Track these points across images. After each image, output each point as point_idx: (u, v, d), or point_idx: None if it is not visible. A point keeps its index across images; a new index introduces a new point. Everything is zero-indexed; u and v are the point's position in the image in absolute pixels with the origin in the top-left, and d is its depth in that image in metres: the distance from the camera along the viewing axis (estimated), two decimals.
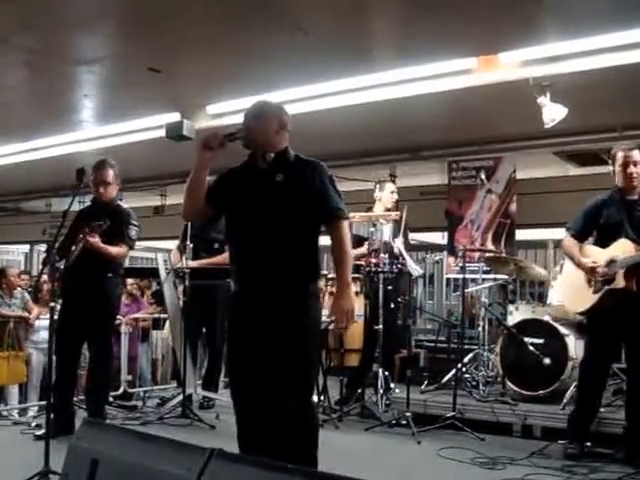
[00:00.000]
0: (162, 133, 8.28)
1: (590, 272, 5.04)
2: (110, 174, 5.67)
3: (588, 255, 5.14)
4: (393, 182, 7.63)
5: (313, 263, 3.77)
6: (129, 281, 8.97)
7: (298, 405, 3.65)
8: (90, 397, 5.71)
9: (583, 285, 5.10)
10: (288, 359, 3.60)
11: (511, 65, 6.40)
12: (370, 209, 7.05)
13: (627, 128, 7.74)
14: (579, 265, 5.12)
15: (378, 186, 7.21)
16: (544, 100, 6.70)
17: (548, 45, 6.15)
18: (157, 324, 9.34)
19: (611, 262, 4.96)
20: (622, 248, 4.95)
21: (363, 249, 6.66)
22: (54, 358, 5.02)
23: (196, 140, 8.12)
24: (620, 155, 5.07)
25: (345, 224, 3.77)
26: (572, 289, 5.29)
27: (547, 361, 6.09)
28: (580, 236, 5.23)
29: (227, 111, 8.05)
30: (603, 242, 5.14)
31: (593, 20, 5.63)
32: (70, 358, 5.65)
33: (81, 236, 5.24)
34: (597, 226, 5.19)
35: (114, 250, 5.52)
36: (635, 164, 5.02)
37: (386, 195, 7.09)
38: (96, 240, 5.26)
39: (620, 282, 4.91)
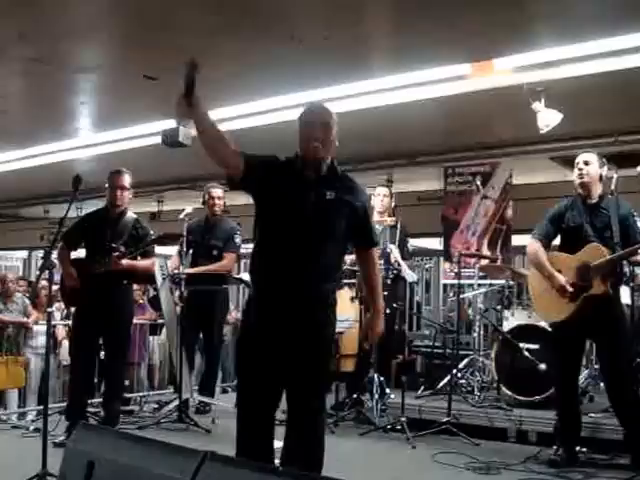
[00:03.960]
0: (158, 140, 8.30)
1: (560, 289, 5.04)
2: (127, 180, 5.85)
3: (557, 263, 5.16)
4: (386, 186, 7.64)
5: (338, 277, 3.88)
6: (134, 287, 9.01)
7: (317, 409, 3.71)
8: (106, 405, 5.79)
9: (555, 293, 5.10)
10: (308, 366, 3.58)
11: (505, 71, 6.40)
12: None
13: (622, 133, 7.76)
14: (549, 278, 5.13)
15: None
16: (538, 106, 6.72)
17: (542, 51, 6.15)
18: (154, 330, 9.38)
19: (584, 268, 4.97)
20: (592, 253, 4.97)
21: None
22: (64, 364, 5.13)
23: (192, 147, 8.18)
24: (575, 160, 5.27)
25: (376, 252, 3.91)
26: (546, 298, 5.23)
27: (542, 367, 6.11)
28: (546, 241, 5.29)
29: (223, 118, 8.06)
30: (567, 246, 5.22)
31: (587, 25, 5.64)
32: (87, 365, 5.78)
33: (106, 259, 5.54)
34: (561, 230, 5.25)
35: (144, 264, 5.87)
36: (586, 163, 5.14)
37: (376, 200, 7.14)
38: (127, 262, 5.60)
39: (598, 288, 4.93)
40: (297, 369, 3.57)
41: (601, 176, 5.16)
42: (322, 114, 3.74)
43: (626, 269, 5.71)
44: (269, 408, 3.65)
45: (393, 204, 7.23)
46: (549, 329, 6.30)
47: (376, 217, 7.06)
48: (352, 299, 6.60)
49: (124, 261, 5.55)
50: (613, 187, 5.36)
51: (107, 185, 5.86)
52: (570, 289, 4.99)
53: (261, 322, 3.61)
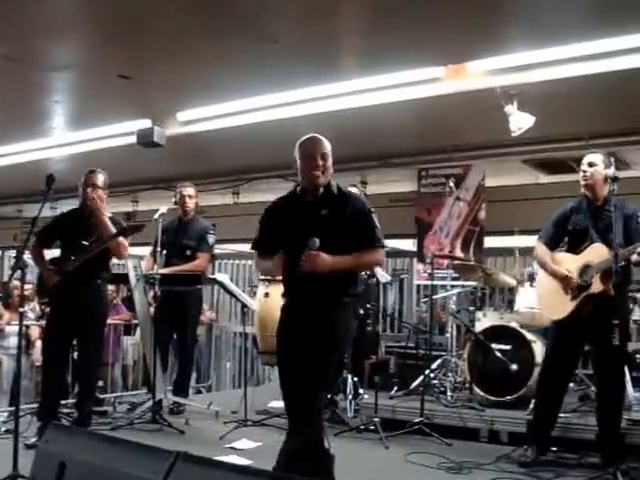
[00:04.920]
0: (133, 139, 8.29)
1: (564, 281, 5.13)
2: (100, 179, 5.82)
3: (561, 262, 5.23)
4: (354, 186, 7.67)
5: (351, 280, 4.19)
6: (108, 287, 8.98)
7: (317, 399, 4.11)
8: (79, 406, 5.78)
9: (559, 292, 5.17)
10: (318, 360, 4.02)
11: (478, 74, 6.46)
12: None
13: (594, 136, 7.83)
14: (553, 274, 5.21)
15: None
16: (511, 109, 6.78)
17: (515, 54, 6.21)
18: (128, 330, 9.35)
19: (586, 267, 5.04)
20: (596, 253, 5.02)
21: None
22: (37, 364, 5.09)
23: (167, 147, 8.18)
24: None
25: (379, 251, 4.22)
26: (548, 297, 5.34)
27: (514, 367, 6.17)
28: (551, 243, 5.35)
29: (197, 118, 8.08)
30: (573, 248, 5.26)
31: (559, 30, 5.71)
32: (60, 365, 5.76)
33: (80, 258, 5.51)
34: (566, 233, 5.30)
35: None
36: (590, 165, 5.15)
37: None
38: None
39: (597, 287, 4.96)
40: (311, 359, 4.00)
41: (606, 177, 5.10)
42: (320, 145, 4.15)
43: None
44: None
45: None
46: (520, 330, 6.38)
47: None
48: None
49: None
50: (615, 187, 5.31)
51: (80, 184, 5.82)
52: (574, 278, 5.05)
53: (289, 323, 4.18)
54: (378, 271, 6.59)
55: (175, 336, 7.10)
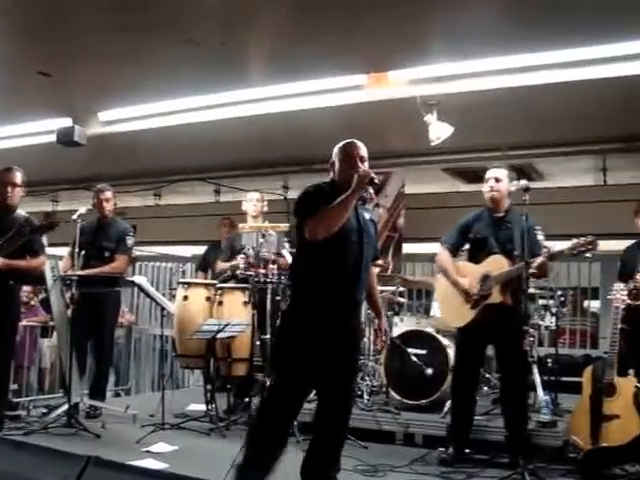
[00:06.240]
0: (53, 138, 8.16)
1: (464, 293, 5.33)
2: (18, 177, 5.73)
3: (463, 271, 5.44)
4: (257, 191, 7.71)
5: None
6: (24, 288, 8.81)
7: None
8: None
9: (460, 300, 5.37)
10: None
11: (400, 83, 6.58)
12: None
13: (511, 148, 8.04)
14: (454, 284, 5.42)
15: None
16: (430, 118, 6.92)
17: (436, 65, 6.35)
18: (45, 332, 9.19)
19: (485, 278, 5.25)
20: (495, 264, 5.25)
21: (235, 262, 6.95)
22: None
23: (87, 146, 8.06)
24: (486, 175, 5.48)
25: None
26: (450, 304, 5.52)
27: (429, 371, 6.28)
28: (453, 249, 5.56)
29: (120, 118, 8.01)
30: (473, 256, 5.49)
31: (479, 44, 5.86)
32: None
33: None
34: (468, 240, 5.51)
35: (33, 263, 5.72)
36: (497, 180, 5.39)
37: (249, 205, 7.28)
38: (6, 262, 5.45)
39: (497, 297, 5.20)
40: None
41: (510, 191, 5.40)
42: (363, 148, 4.32)
43: None
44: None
45: (265, 209, 7.34)
46: (436, 335, 6.51)
47: (250, 222, 7.18)
48: (245, 303, 6.62)
49: (5, 262, 5.43)
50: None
51: None
52: (474, 291, 5.25)
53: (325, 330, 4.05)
54: None
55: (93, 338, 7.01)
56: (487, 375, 6.92)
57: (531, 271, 5.04)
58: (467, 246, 5.61)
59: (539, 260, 5.01)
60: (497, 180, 5.40)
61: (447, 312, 5.72)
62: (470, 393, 5.52)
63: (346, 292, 4.07)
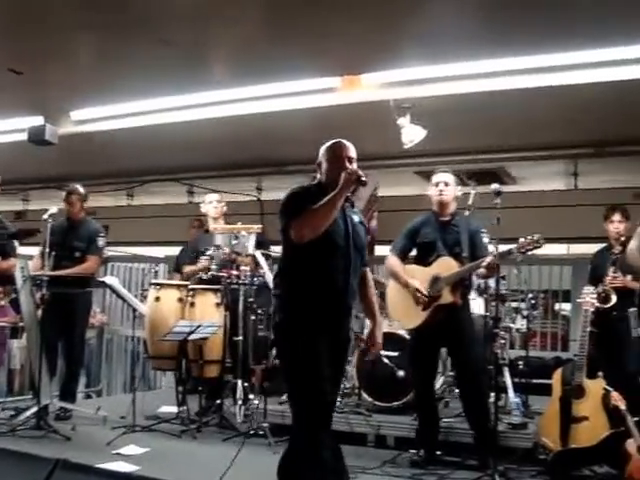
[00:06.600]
0: (24, 137, 8.09)
1: (415, 293, 5.40)
2: None
3: (412, 274, 5.51)
4: (217, 192, 7.71)
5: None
6: None
7: None
8: None
9: (411, 303, 5.45)
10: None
11: (373, 86, 6.60)
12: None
13: (481, 151, 8.11)
14: (405, 285, 5.49)
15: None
16: (404, 121, 6.94)
17: (409, 69, 6.39)
18: (15, 333, 9.11)
19: (435, 279, 5.36)
20: (444, 266, 5.36)
21: (200, 264, 7.00)
22: None
23: (59, 145, 8.00)
24: (432, 178, 5.61)
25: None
26: (402, 306, 5.59)
27: (401, 373, 6.30)
28: (401, 254, 5.65)
29: (92, 118, 7.96)
30: (421, 259, 5.59)
31: (452, 48, 5.90)
32: None
33: None
34: (416, 245, 5.62)
35: (4, 265, 5.66)
36: (446, 184, 5.51)
37: (209, 207, 7.33)
38: None
39: (447, 298, 5.31)
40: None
41: (456, 196, 5.58)
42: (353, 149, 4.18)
43: (480, 281, 6.02)
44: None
45: (224, 209, 7.37)
46: (408, 337, 6.52)
47: (211, 223, 7.18)
48: (217, 305, 6.62)
49: None
50: (471, 202, 5.73)
51: None
52: (425, 292, 5.33)
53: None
54: (269, 276, 6.61)
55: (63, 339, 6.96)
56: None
57: (480, 271, 5.24)
58: (414, 252, 5.71)
59: (488, 259, 5.11)
60: (446, 184, 5.51)
61: (399, 315, 5.75)
62: (431, 396, 5.65)
63: (337, 297, 3.99)
